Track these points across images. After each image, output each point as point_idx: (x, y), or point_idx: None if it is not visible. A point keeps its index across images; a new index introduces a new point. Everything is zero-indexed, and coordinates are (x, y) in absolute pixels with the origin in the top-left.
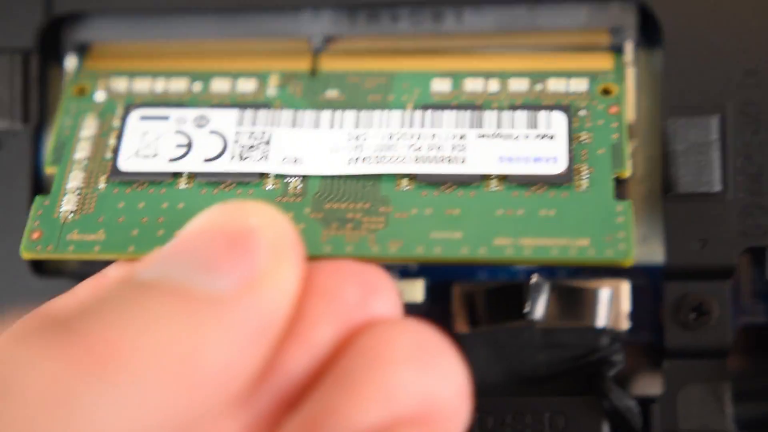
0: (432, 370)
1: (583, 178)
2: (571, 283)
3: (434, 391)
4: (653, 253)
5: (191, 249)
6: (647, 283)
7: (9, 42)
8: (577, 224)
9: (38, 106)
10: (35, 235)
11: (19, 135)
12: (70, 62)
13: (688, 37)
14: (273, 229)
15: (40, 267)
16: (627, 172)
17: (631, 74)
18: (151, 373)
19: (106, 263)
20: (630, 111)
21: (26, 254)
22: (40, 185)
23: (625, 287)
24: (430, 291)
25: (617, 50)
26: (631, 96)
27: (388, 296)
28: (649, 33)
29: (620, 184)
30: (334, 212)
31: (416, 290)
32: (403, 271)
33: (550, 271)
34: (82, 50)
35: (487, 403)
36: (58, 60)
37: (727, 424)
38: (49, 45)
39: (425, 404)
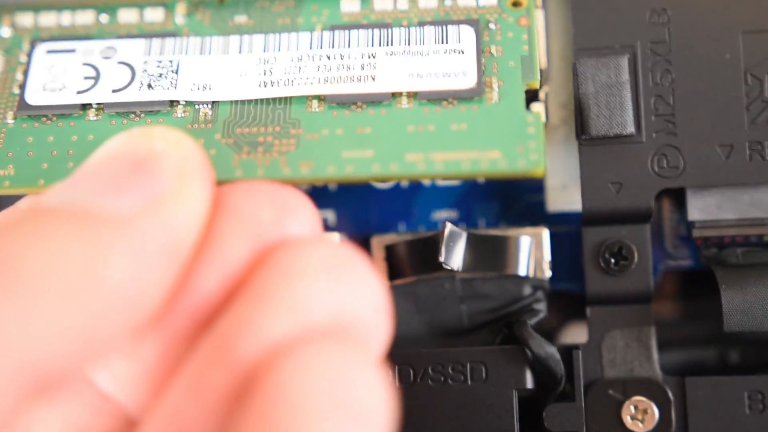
0: (346, 284)
1: (494, 90)
2: (490, 232)
3: (348, 305)
4: (573, 200)
5: (95, 174)
6: (568, 231)
7: None
8: (488, 137)
9: None
10: None
11: None
12: None
13: None
14: (178, 151)
15: None
16: (537, 84)
17: (540, 17)
18: (50, 286)
19: (18, 198)
20: (541, 55)
21: None
22: None
23: (545, 234)
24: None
25: None
26: (541, 39)
27: (304, 216)
28: None
29: (531, 95)
30: (245, 137)
31: None
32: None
33: (470, 220)
34: None
35: (408, 355)
36: None
37: (655, 369)
38: None
39: (339, 317)
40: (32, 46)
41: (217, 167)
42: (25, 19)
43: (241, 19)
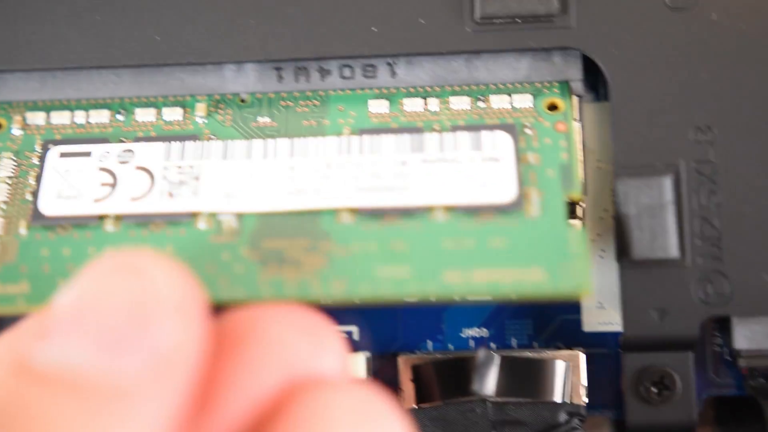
0: None
1: (533, 203)
2: (524, 355)
3: None
4: (610, 320)
5: (91, 321)
6: (605, 352)
7: None
8: (530, 255)
9: None
10: None
11: None
12: None
13: (636, 90)
14: (177, 292)
15: None
16: (579, 195)
17: (577, 130)
18: None
19: None
20: (579, 168)
21: None
22: None
23: (581, 359)
24: (374, 362)
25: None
26: (579, 152)
27: (336, 351)
28: (595, 84)
29: (572, 207)
30: (272, 251)
31: (358, 365)
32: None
33: (501, 339)
34: None
35: None
36: None
37: None
38: None
39: None
40: (45, 148)
41: (243, 284)
42: (37, 118)
43: (264, 120)
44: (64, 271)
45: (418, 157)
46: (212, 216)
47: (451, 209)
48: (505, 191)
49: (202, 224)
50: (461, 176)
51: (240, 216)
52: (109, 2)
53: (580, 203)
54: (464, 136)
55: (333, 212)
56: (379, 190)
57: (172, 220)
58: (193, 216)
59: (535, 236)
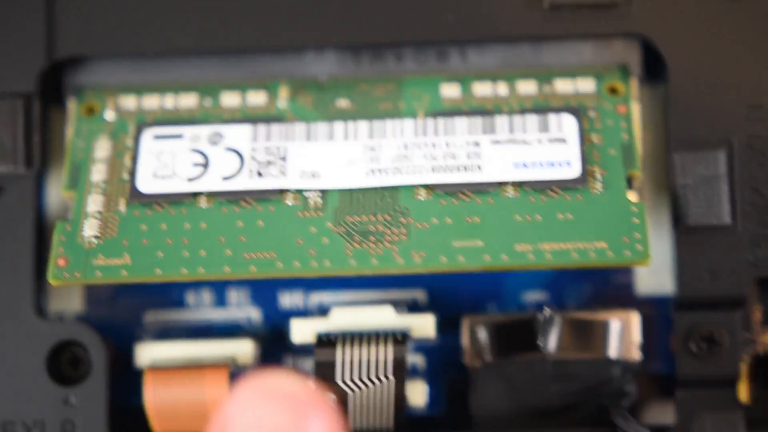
0: None
1: (597, 180)
2: (582, 315)
3: None
4: (662, 284)
5: None
6: (657, 313)
7: (10, 86)
8: (594, 227)
9: (41, 150)
10: (61, 262)
11: (22, 179)
12: (72, 106)
13: (693, 72)
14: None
15: (43, 311)
16: (639, 172)
17: (636, 109)
18: None
19: (133, 286)
20: (638, 145)
21: (54, 281)
22: (43, 229)
23: (635, 318)
24: (439, 324)
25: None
26: (638, 130)
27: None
28: (651, 68)
29: (632, 183)
30: (355, 225)
31: (428, 326)
32: (411, 305)
33: (560, 302)
34: (84, 93)
35: None
36: (60, 103)
37: None
38: (51, 88)
39: None
40: (139, 130)
41: (330, 257)
42: (129, 102)
43: (343, 103)
44: (162, 246)
45: (489, 138)
46: (298, 193)
47: (520, 186)
48: (571, 169)
49: (289, 201)
50: (530, 155)
51: (324, 193)
52: None
53: (639, 179)
54: (532, 119)
55: (411, 188)
56: (453, 170)
57: (261, 197)
58: (281, 193)
59: (599, 210)
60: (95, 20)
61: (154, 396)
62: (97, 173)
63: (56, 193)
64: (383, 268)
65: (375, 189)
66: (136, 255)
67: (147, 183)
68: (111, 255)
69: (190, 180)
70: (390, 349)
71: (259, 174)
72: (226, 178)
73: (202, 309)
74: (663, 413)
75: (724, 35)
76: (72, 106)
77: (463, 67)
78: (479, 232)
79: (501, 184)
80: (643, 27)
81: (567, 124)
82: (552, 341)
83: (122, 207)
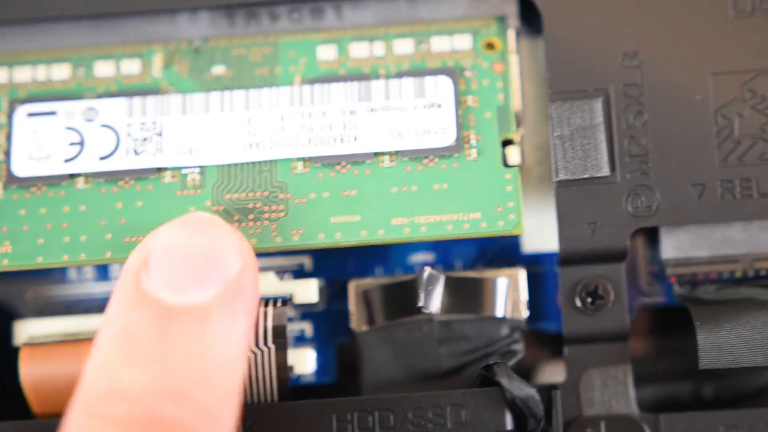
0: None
1: (472, 146)
2: (467, 274)
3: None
4: (548, 240)
5: (177, 260)
6: (544, 270)
7: None
8: (468, 197)
9: None
10: None
11: None
12: None
13: (568, 22)
14: (234, 238)
15: None
16: (513, 135)
17: (515, 61)
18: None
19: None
20: (516, 99)
21: None
22: None
23: (521, 275)
24: (327, 290)
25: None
26: (516, 84)
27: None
28: (529, 20)
29: (509, 145)
30: (234, 203)
31: (311, 290)
32: (297, 272)
33: (447, 262)
34: None
35: (387, 399)
36: None
37: (632, 406)
38: None
39: None
40: (11, 107)
41: None
42: (0, 75)
43: (219, 69)
44: (42, 231)
45: (366, 106)
46: (176, 170)
47: (396, 155)
48: (446, 137)
49: (167, 179)
50: (405, 123)
51: (202, 169)
52: None
53: (515, 141)
54: (408, 83)
55: (288, 161)
56: (330, 141)
57: (139, 176)
58: (159, 171)
59: (473, 178)
60: None
61: (30, 373)
62: None
63: None
64: (261, 247)
65: (253, 163)
66: (17, 242)
67: (23, 165)
68: None
69: (67, 161)
70: (270, 315)
71: (136, 152)
72: (102, 158)
73: (84, 284)
74: (556, 373)
75: None
76: None
77: (339, 24)
78: (356, 206)
79: (377, 155)
80: None
81: (443, 88)
82: (435, 301)
83: None
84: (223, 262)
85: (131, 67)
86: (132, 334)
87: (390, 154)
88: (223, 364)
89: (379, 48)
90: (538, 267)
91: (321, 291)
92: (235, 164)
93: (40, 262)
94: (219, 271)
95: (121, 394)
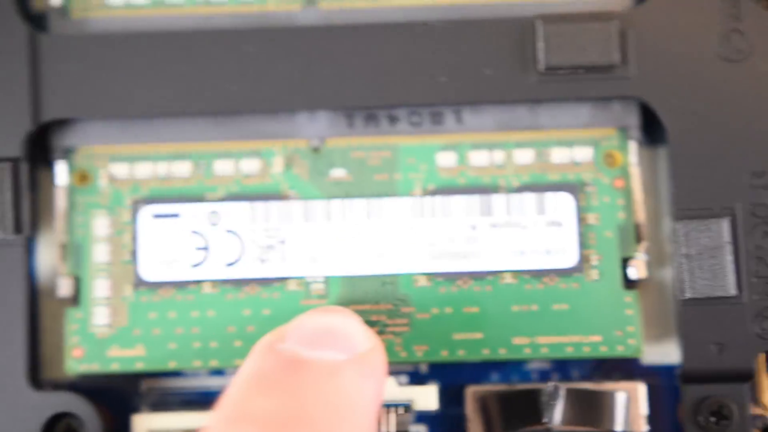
0: None
1: (593, 266)
2: (587, 386)
3: None
4: (667, 353)
5: (311, 334)
6: (663, 382)
7: None
8: (589, 318)
9: (30, 215)
10: (77, 353)
11: (12, 245)
12: (61, 168)
13: (694, 137)
14: (358, 321)
15: (37, 381)
16: (634, 254)
17: (636, 174)
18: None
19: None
20: (639, 213)
21: (71, 373)
22: (34, 296)
23: (641, 390)
24: (442, 394)
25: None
26: (639, 197)
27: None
28: (650, 131)
29: (629, 264)
30: (359, 314)
31: (430, 398)
32: (413, 374)
33: (564, 371)
34: (71, 155)
35: None
36: (48, 164)
37: None
38: (38, 151)
39: None
40: (135, 208)
41: None
42: (121, 170)
43: (338, 173)
44: (173, 335)
45: (487, 221)
46: (300, 279)
47: (517, 273)
48: (567, 257)
49: (292, 286)
50: (527, 241)
51: (326, 279)
52: (186, 52)
53: (638, 256)
54: (529, 198)
55: (410, 276)
56: (452, 256)
57: (265, 283)
58: (283, 279)
59: (594, 301)
60: (82, 81)
61: None
62: (99, 254)
63: (46, 258)
64: (387, 360)
65: (375, 276)
66: (150, 346)
67: (150, 270)
68: (125, 345)
69: (194, 266)
70: (393, 421)
71: (261, 260)
72: (228, 265)
73: (199, 377)
74: None
75: (725, 98)
76: (61, 168)
77: (459, 129)
78: (478, 323)
79: (498, 272)
80: (640, 90)
81: (564, 205)
82: (557, 414)
83: (128, 292)
84: (353, 338)
85: (251, 166)
86: (267, 374)
87: (511, 272)
88: (352, 410)
89: (499, 156)
90: (655, 379)
91: (437, 395)
92: (357, 276)
93: (173, 366)
94: (351, 344)
95: (251, 418)
